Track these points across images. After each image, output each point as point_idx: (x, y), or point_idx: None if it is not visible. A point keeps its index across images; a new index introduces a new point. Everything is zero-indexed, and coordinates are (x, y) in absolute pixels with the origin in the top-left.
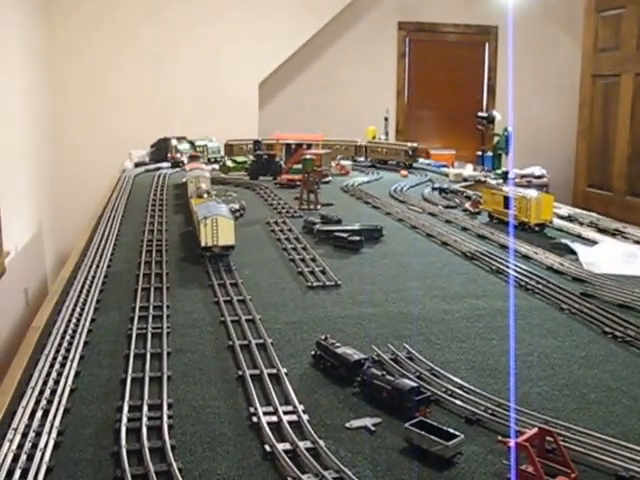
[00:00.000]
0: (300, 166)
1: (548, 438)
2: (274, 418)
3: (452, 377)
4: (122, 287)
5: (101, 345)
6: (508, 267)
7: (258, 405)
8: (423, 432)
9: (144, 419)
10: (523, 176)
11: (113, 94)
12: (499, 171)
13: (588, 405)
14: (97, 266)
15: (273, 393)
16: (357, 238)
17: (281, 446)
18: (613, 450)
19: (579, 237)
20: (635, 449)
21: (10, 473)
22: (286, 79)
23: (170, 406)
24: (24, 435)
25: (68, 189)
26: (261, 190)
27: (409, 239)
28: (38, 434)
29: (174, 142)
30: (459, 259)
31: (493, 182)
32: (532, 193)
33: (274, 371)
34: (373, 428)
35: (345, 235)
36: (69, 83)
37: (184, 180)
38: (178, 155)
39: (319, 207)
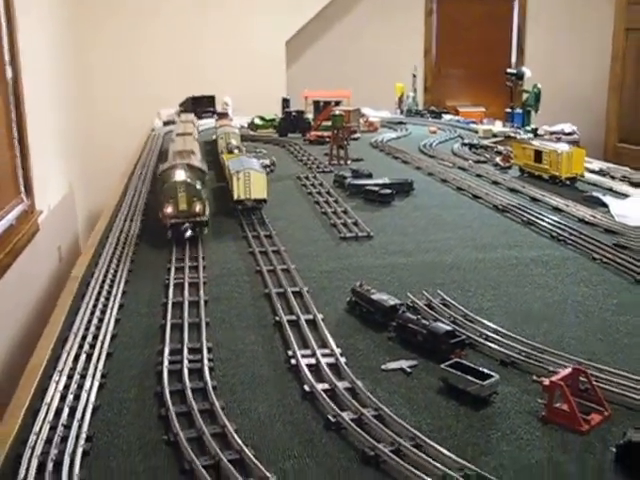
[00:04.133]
0: (329, 123)
1: (582, 378)
2: (312, 360)
3: (486, 322)
4: (156, 241)
5: (139, 295)
6: (540, 219)
7: (296, 348)
8: (459, 372)
9: (185, 362)
10: (552, 133)
11: (143, 56)
12: (528, 128)
13: (621, 349)
14: (131, 220)
15: (310, 337)
16: (388, 191)
17: (320, 386)
18: (611, 380)
19: (610, 190)
20: None
21: (58, 412)
22: (313, 38)
23: (210, 350)
24: (69, 377)
25: (99, 150)
26: (290, 147)
27: (440, 192)
28: (83, 376)
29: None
30: (490, 211)
31: (525, 136)
32: (563, 147)
33: (310, 317)
34: (409, 370)
35: (376, 189)
36: (99, 44)
37: (214, 137)
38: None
39: (349, 162)
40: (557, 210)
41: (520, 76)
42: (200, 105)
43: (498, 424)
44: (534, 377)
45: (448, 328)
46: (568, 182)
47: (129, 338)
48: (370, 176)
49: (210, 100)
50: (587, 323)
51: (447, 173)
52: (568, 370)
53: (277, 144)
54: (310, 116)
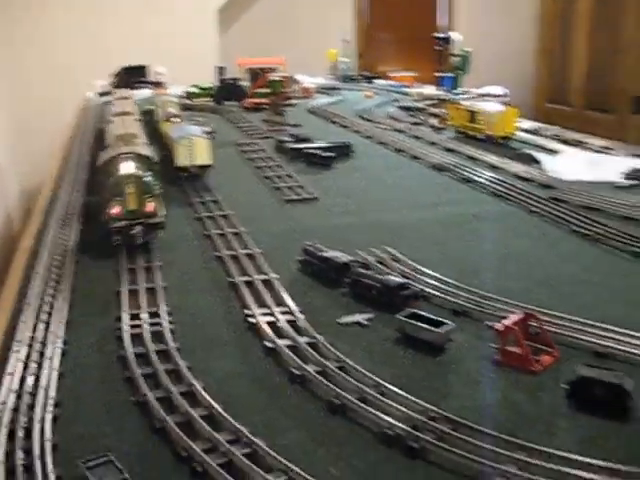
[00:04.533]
0: (264, 90)
1: (531, 323)
2: (271, 319)
3: (436, 274)
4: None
5: (91, 261)
6: (478, 176)
7: (254, 307)
8: (416, 322)
9: (145, 326)
10: (482, 95)
11: (71, 30)
12: (458, 91)
13: (564, 296)
14: (77, 191)
15: (267, 297)
16: (329, 154)
17: (281, 342)
18: (590, 331)
19: (543, 148)
20: (610, 329)
21: (23, 380)
22: (245, 6)
23: (169, 313)
24: (29, 346)
25: (28, 129)
26: (228, 114)
27: (379, 154)
28: (44, 344)
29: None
30: (430, 171)
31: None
32: (497, 107)
33: (265, 277)
34: (366, 323)
35: (317, 152)
36: (21, 22)
37: (150, 107)
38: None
39: (288, 128)
40: (493, 167)
41: (449, 40)
42: (133, 76)
43: (455, 369)
44: (487, 323)
45: (401, 281)
46: (502, 141)
47: (87, 305)
48: (310, 140)
49: (143, 70)
50: (530, 273)
51: (385, 136)
52: (519, 315)
53: (214, 112)
54: (246, 84)
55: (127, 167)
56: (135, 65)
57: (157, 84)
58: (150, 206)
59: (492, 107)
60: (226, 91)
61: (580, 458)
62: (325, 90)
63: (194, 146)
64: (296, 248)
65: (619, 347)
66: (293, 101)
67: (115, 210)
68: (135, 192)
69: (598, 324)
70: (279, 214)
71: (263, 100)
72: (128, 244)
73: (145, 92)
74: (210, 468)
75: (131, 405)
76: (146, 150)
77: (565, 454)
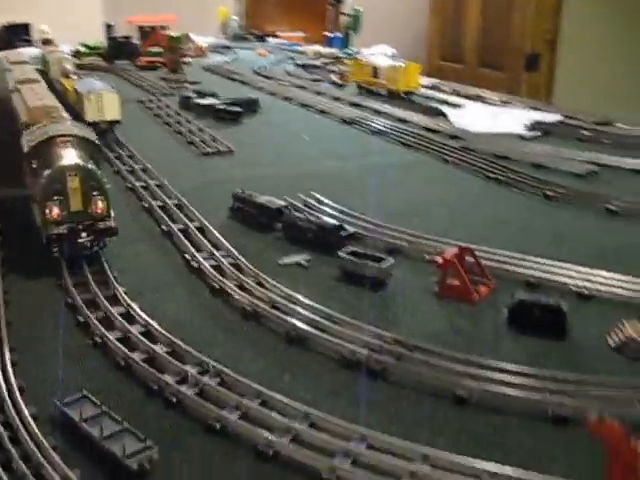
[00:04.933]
0: (157, 49)
1: (467, 257)
2: (213, 262)
3: (366, 217)
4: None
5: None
6: (389, 129)
7: (194, 252)
8: (356, 259)
9: (87, 274)
10: (371, 55)
11: None
12: (348, 50)
13: (487, 235)
14: None
15: (204, 242)
16: (238, 109)
17: (229, 282)
18: (520, 263)
19: (446, 102)
20: (537, 261)
21: None
22: None
23: (106, 262)
24: None
25: None
26: (122, 73)
27: (286, 110)
28: None
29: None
30: (339, 124)
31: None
32: (399, 63)
33: (198, 225)
34: (305, 263)
35: (225, 107)
36: None
37: (41, 66)
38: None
39: (188, 85)
40: (402, 120)
41: (340, 0)
42: (15, 34)
43: (398, 302)
44: (427, 257)
45: (337, 223)
46: (405, 96)
47: (22, 266)
48: (215, 96)
49: (25, 28)
50: (452, 216)
51: (288, 92)
52: (455, 250)
53: (107, 71)
54: (137, 42)
55: (69, 156)
56: (17, 23)
57: (46, 42)
58: (99, 206)
59: (395, 63)
60: (118, 49)
61: (527, 370)
62: (218, 49)
63: (103, 101)
64: (221, 198)
65: (547, 277)
66: (188, 59)
67: (54, 212)
68: (80, 188)
69: (527, 257)
70: (198, 166)
71: (157, 58)
72: (71, 255)
73: (32, 51)
74: (186, 398)
75: (89, 347)
76: (84, 130)
77: (513, 367)
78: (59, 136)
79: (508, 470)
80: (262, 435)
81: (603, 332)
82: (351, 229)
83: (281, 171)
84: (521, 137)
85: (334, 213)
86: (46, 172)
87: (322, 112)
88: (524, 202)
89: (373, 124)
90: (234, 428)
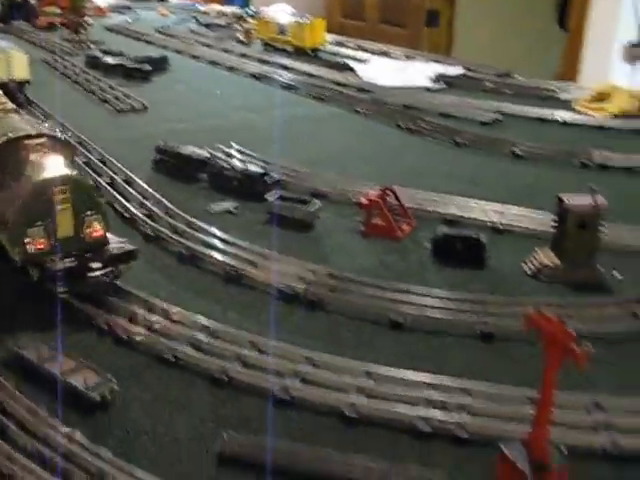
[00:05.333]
0: (54, 9)
1: (389, 198)
2: (145, 211)
3: (287, 165)
4: None
5: None
6: (299, 83)
7: (124, 202)
8: (285, 202)
9: None
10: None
11: None
12: (248, 10)
13: (406, 178)
14: None
15: (132, 193)
16: (148, 67)
17: (162, 228)
18: (438, 202)
19: (353, 58)
20: (453, 200)
21: None
22: None
23: None
24: None
25: None
26: (22, 34)
27: (195, 67)
28: None
29: None
30: (249, 80)
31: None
32: (305, 19)
33: (124, 177)
34: (234, 210)
35: (134, 65)
36: None
37: None
38: None
39: (92, 45)
40: (312, 75)
41: None
42: None
43: (327, 241)
44: (351, 199)
45: (261, 170)
46: (312, 52)
47: None
48: (123, 55)
49: None
50: (369, 162)
51: (195, 50)
52: (377, 191)
53: (5, 32)
54: (34, 1)
55: (54, 165)
56: None
57: None
58: (96, 228)
59: (301, 19)
60: (15, 10)
61: (454, 295)
62: (119, 9)
63: (12, 60)
64: (143, 152)
65: (464, 214)
66: (89, 20)
67: (40, 243)
68: (71, 208)
69: (444, 197)
70: (114, 123)
71: (57, 19)
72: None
73: None
74: (137, 336)
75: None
76: (51, 129)
77: (442, 293)
78: (25, 137)
79: (445, 379)
80: (215, 362)
81: (517, 261)
82: (276, 176)
83: (198, 125)
84: (427, 89)
85: (255, 162)
86: (23, 187)
87: (231, 69)
88: (436, 149)
89: (283, 79)
90: (188, 359)
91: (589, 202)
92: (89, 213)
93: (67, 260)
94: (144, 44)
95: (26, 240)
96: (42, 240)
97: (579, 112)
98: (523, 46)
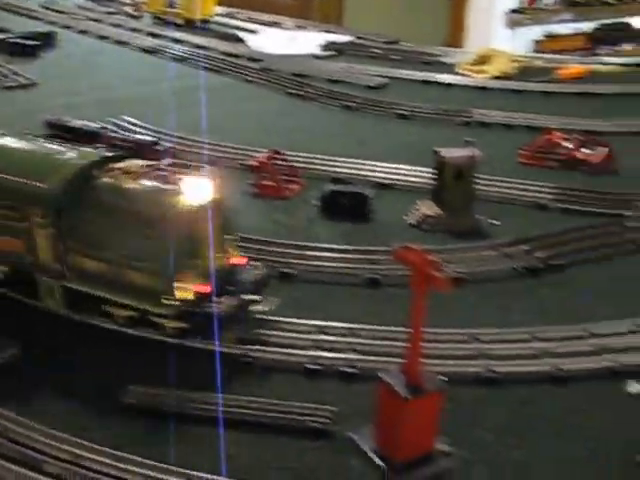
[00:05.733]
0: None
1: (278, 160)
2: None
3: (179, 134)
4: None
5: None
6: (189, 54)
7: None
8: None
9: None
10: None
11: None
12: None
13: (295, 141)
14: None
15: None
16: (33, 43)
17: None
18: (326, 164)
19: (243, 29)
20: (341, 160)
21: None
22: None
23: None
24: None
25: None
26: None
27: (84, 42)
28: None
29: None
30: (141, 54)
31: None
32: None
33: None
34: None
35: (19, 41)
36: None
37: None
38: None
39: None
40: (202, 47)
41: None
42: None
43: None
44: (241, 163)
45: (153, 139)
46: (202, 24)
47: None
48: (6, 31)
49: None
50: (258, 129)
51: (83, 25)
52: (267, 154)
53: None
54: None
55: (195, 187)
56: None
57: None
58: (233, 254)
59: None
60: None
61: (341, 247)
62: None
63: None
64: (33, 127)
65: (351, 172)
66: None
67: (198, 285)
68: (218, 236)
69: (332, 158)
70: (1, 99)
71: None
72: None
73: None
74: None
75: None
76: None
77: (329, 246)
78: (118, 159)
79: (339, 324)
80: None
81: (401, 214)
82: (167, 144)
83: (90, 99)
84: (316, 57)
85: (148, 132)
86: (156, 222)
87: (121, 43)
88: (325, 113)
89: (174, 51)
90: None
91: (465, 154)
92: (229, 239)
93: (226, 298)
94: (28, 19)
95: (177, 285)
96: (199, 280)
97: (461, 75)
98: (412, 15)
